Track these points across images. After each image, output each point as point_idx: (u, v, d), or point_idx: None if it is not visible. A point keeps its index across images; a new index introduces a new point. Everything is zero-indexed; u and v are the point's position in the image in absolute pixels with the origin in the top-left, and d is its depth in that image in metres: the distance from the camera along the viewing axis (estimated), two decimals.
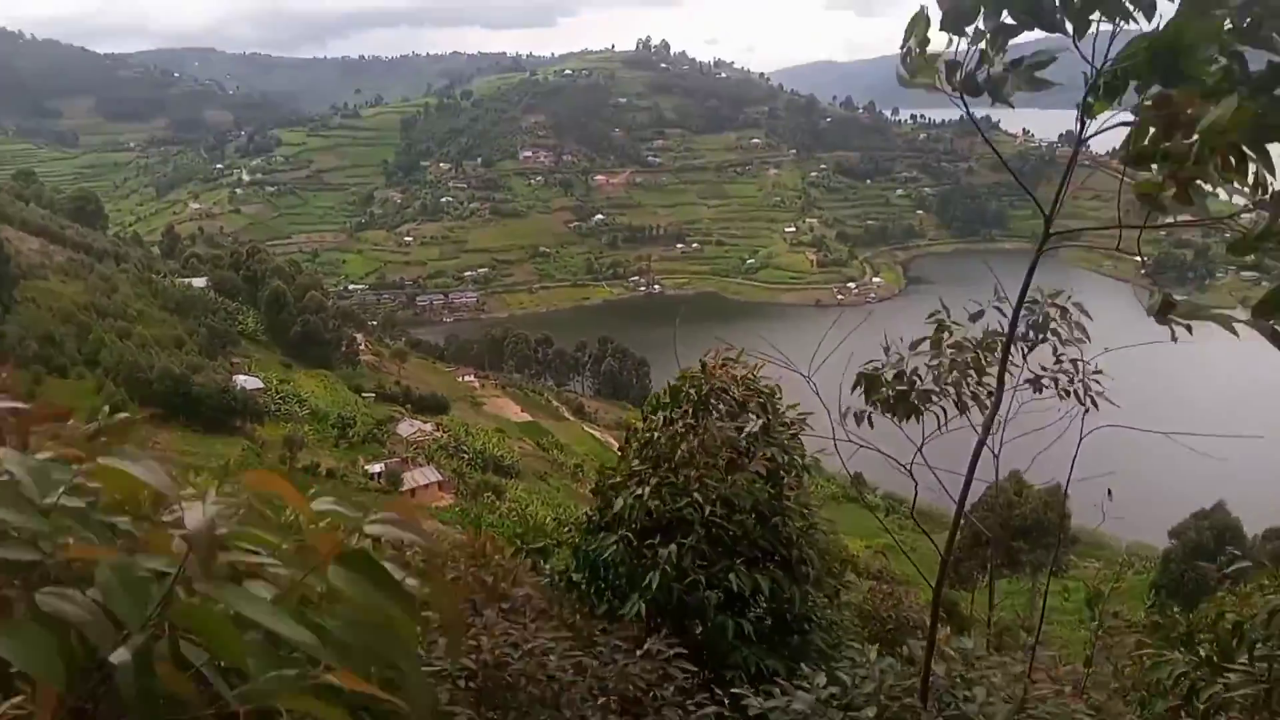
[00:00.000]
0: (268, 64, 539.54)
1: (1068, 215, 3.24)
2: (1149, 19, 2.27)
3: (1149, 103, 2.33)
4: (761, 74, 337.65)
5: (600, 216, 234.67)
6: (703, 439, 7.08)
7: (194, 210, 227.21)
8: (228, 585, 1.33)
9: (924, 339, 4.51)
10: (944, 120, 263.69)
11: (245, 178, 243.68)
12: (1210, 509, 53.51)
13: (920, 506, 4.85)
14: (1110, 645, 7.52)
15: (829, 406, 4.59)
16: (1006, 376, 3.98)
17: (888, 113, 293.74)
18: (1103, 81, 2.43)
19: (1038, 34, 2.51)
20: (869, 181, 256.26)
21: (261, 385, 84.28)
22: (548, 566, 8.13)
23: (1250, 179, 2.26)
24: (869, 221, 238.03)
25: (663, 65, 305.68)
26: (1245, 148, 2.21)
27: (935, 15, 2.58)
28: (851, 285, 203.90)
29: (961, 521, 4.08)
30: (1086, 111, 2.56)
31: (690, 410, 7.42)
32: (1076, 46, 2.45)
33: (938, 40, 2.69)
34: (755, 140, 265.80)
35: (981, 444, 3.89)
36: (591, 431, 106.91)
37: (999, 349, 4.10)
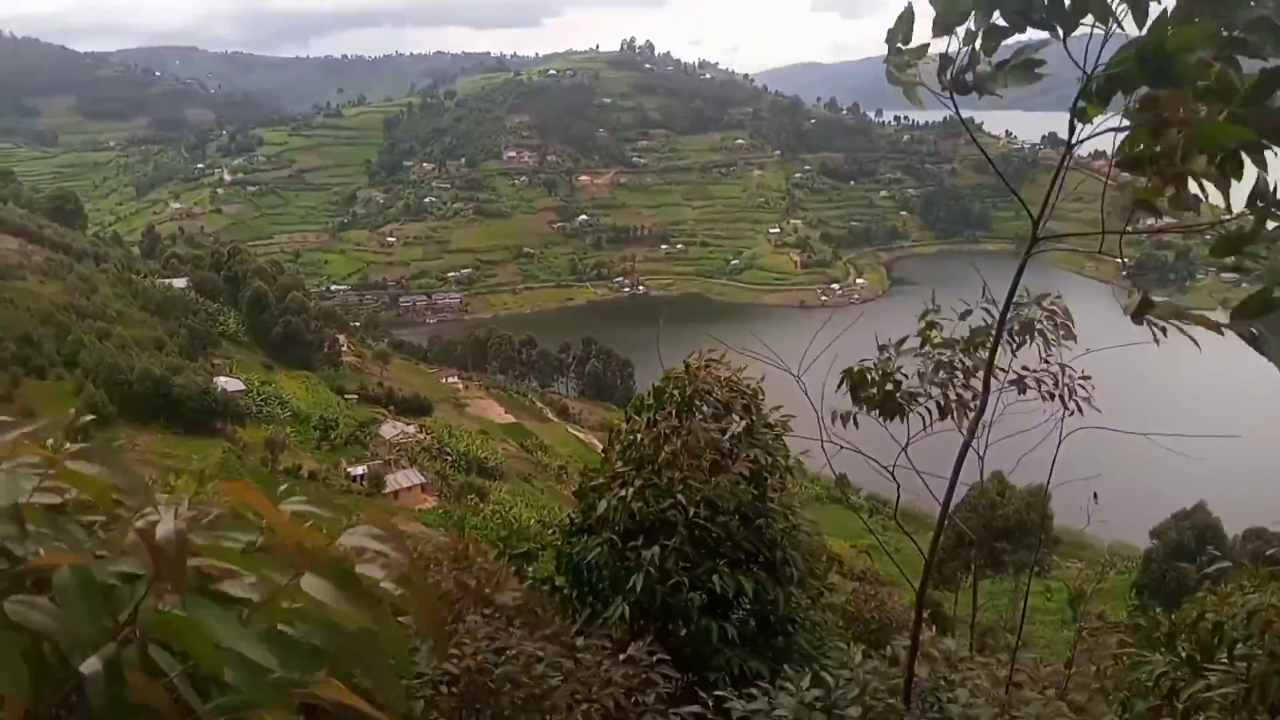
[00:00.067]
0: (250, 63, 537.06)
1: (1050, 217, 3.24)
2: (1140, 24, 2.27)
3: (1137, 105, 2.33)
4: (746, 75, 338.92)
5: (584, 217, 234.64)
6: (686, 440, 7.07)
7: (175, 210, 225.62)
8: (197, 599, 1.30)
9: (907, 338, 4.51)
10: (927, 122, 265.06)
11: (227, 177, 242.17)
12: (1191, 509, 53.94)
13: (904, 507, 4.85)
14: (1092, 646, 7.56)
15: (813, 408, 4.58)
16: (991, 380, 3.98)
17: (872, 114, 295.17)
18: (1094, 85, 2.43)
19: (1029, 35, 2.51)
20: (853, 183, 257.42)
21: (243, 387, 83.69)
22: (530, 569, 8.09)
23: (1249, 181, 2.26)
24: (853, 222, 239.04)
25: (647, 66, 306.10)
26: (1243, 153, 2.21)
27: (925, 14, 2.59)
28: (835, 286, 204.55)
29: (945, 522, 4.08)
30: (1079, 116, 2.56)
31: (674, 412, 7.41)
32: (1066, 49, 2.45)
33: (926, 38, 2.69)
34: (740, 141, 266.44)
35: (967, 446, 3.89)
36: (575, 433, 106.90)
37: (987, 347, 4.10)
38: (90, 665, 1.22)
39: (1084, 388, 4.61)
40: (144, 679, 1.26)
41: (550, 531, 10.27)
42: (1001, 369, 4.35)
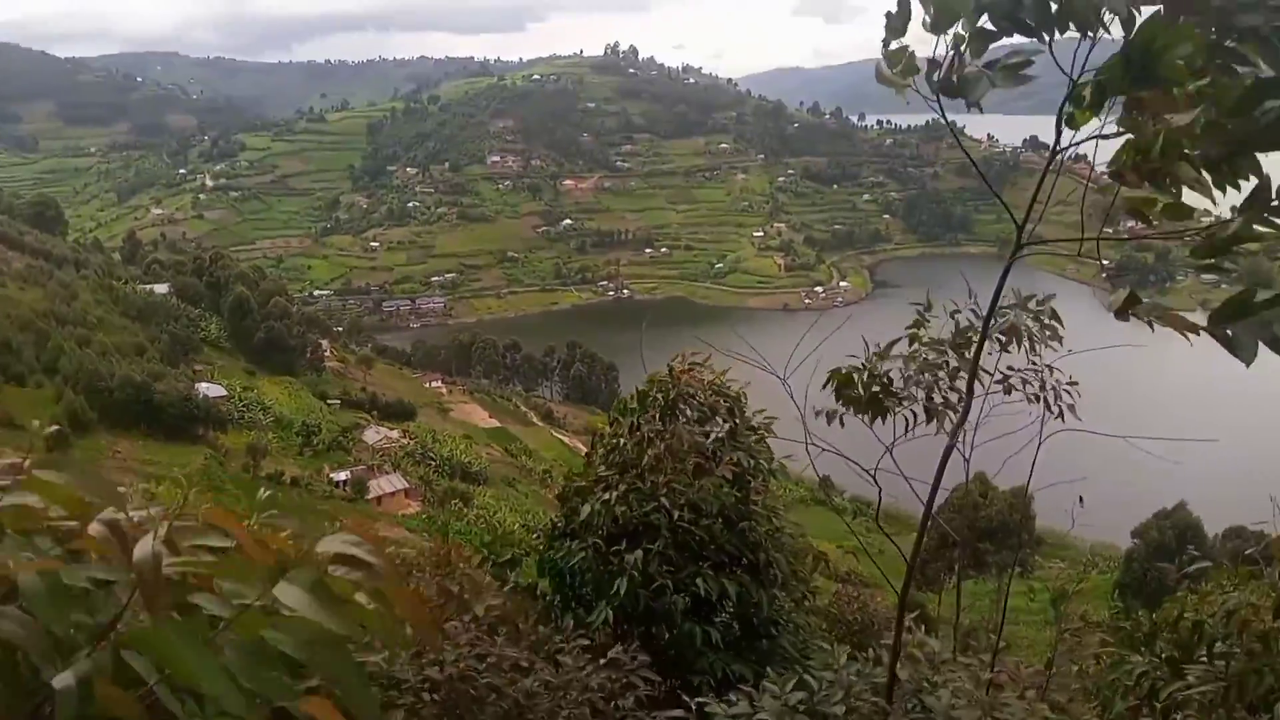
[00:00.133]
0: (232, 68, 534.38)
1: (1032, 220, 3.25)
2: (1127, 31, 2.28)
3: (1124, 102, 2.34)
4: (729, 80, 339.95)
5: (568, 221, 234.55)
6: (670, 444, 7.06)
7: (156, 216, 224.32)
8: (170, 620, 1.29)
9: (897, 340, 4.50)
10: (910, 126, 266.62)
11: (209, 183, 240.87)
12: (1172, 509, 54.37)
13: (888, 509, 4.84)
14: (1073, 646, 7.59)
15: (797, 410, 4.57)
16: (975, 383, 3.99)
17: (854, 118, 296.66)
18: (1085, 92, 2.44)
19: (1016, 39, 2.53)
20: (836, 186, 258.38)
21: (225, 393, 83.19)
22: (513, 575, 8.05)
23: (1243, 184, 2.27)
24: (836, 226, 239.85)
25: (631, 70, 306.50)
26: (1236, 158, 2.23)
27: (916, 15, 2.60)
28: (819, 289, 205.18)
29: (929, 524, 4.08)
30: (1069, 123, 2.57)
31: (658, 415, 7.40)
32: (1053, 54, 2.46)
33: (915, 42, 2.71)
34: (723, 145, 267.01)
35: (950, 449, 3.89)
36: (560, 437, 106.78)
37: (972, 347, 4.10)
38: (62, 680, 1.20)
39: (1070, 393, 4.61)
40: (116, 691, 1.24)
41: (534, 536, 10.23)
42: (987, 371, 4.35)
